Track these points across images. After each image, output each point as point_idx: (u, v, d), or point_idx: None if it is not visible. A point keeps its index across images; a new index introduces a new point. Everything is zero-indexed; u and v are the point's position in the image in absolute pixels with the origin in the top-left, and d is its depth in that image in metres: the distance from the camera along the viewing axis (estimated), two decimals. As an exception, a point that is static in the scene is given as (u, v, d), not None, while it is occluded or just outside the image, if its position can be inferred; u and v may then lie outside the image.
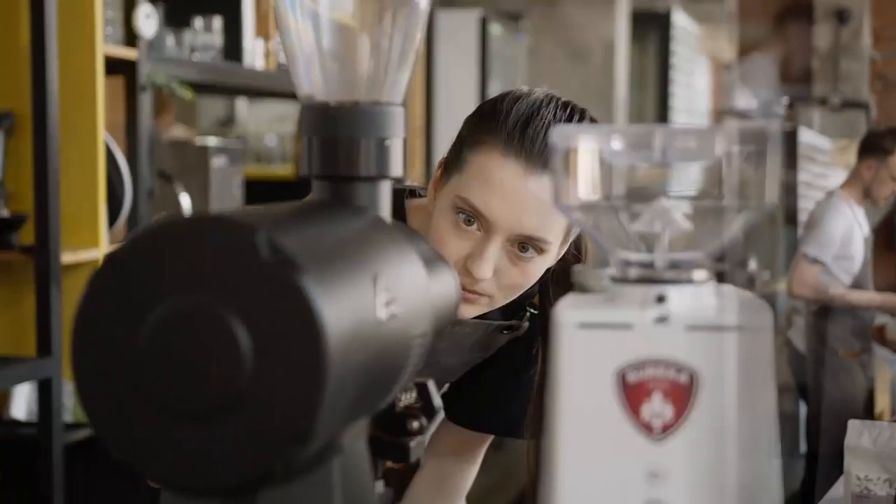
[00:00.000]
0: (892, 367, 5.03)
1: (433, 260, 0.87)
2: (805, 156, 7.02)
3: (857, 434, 1.91)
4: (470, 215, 1.23)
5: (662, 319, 0.68)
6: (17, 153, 2.46)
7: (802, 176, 6.82)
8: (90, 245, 2.52)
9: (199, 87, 3.16)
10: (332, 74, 0.83)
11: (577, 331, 0.69)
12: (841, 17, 9.49)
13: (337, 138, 0.81)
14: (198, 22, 3.05)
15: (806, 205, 7.31)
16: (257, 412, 0.61)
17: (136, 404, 0.62)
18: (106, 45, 2.57)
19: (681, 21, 7.52)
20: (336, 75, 0.83)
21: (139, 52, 2.69)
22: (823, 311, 4.38)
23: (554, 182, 0.72)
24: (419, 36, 0.85)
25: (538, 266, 1.27)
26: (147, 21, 2.66)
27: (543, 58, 5.49)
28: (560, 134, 0.71)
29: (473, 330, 1.38)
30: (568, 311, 0.69)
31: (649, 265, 0.71)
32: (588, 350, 0.68)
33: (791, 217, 6.85)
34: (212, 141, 3.18)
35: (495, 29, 4.90)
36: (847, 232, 4.30)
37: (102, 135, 2.52)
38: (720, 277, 0.72)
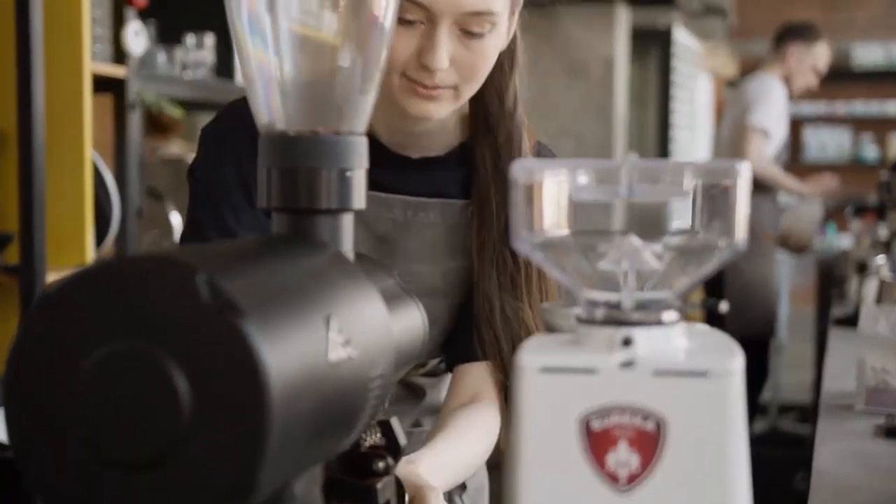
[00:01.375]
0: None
1: (397, 295, 0.84)
2: (678, 55, 7.12)
3: (872, 320, 1.77)
4: (408, 10, 1.19)
5: (628, 364, 0.65)
6: (4, 171, 2.44)
7: (674, 76, 6.99)
8: (77, 265, 2.48)
9: (191, 105, 3.13)
10: (291, 102, 0.80)
11: (539, 375, 0.65)
12: None
13: (296, 169, 0.78)
14: (189, 39, 3.02)
15: (678, 107, 7.42)
16: (196, 463, 0.58)
17: (70, 452, 0.59)
18: (94, 63, 2.54)
19: (682, 38, 7.50)
20: (295, 103, 0.80)
21: (128, 69, 2.66)
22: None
23: (515, 218, 0.68)
24: (382, 61, 0.82)
25: (492, 43, 1.23)
26: (136, 39, 2.63)
27: (543, 74, 5.46)
28: (522, 168, 0.67)
29: (439, 215, 1.33)
30: (530, 355, 0.66)
31: (616, 305, 0.68)
32: (551, 395, 0.65)
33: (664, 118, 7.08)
34: (204, 159, 3.15)
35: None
36: (781, 109, 4.40)
37: (90, 153, 2.49)
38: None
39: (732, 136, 4.49)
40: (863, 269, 3.25)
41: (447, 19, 1.19)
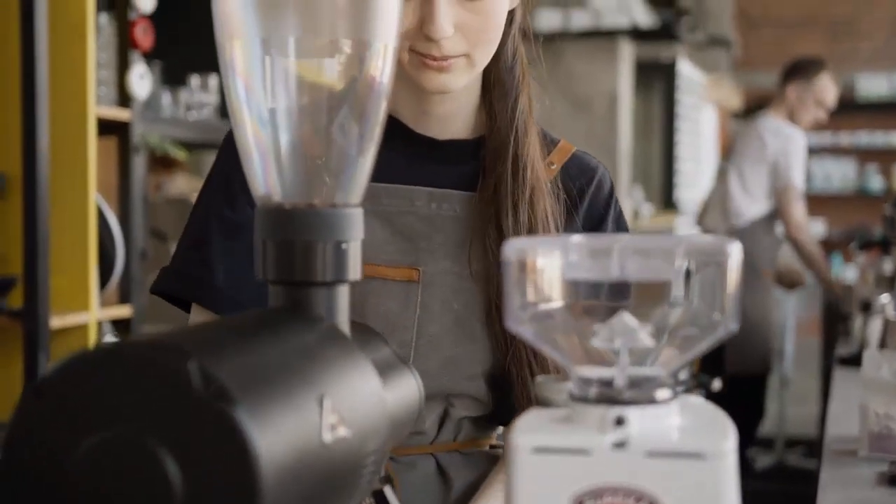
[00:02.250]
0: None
1: (392, 365, 0.84)
2: (682, 88, 7.16)
3: (875, 365, 1.75)
4: None
5: (621, 444, 0.65)
6: (8, 215, 2.45)
7: (679, 109, 7.04)
8: (81, 309, 2.49)
9: (195, 145, 3.15)
10: (287, 175, 0.80)
11: (531, 455, 0.65)
12: None
13: (292, 242, 0.78)
14: (194, 80, 3.04)
15: (683, 139, 7.45)
16: (188, 550, 0.58)
17: (63, 540, 0.59)
18: (99, 107, 2.55)
19: (686, 70, 7.52)
20: (291, 176, 0.80)
21: (133, 112, 2.67)
22: (748, 228, 4.48)
23: (507, 295, 0.69)
24: (377, 133, 0.82)
25: (497, 4, 1.19)
26: (141, 82, 2.65)
27: (547, 108, 5.48)
28: (514, 248, 0.68)
29: (466, 207, 1.26)
30: (523, 435, 0.66)
31: (609, 383, 0.68)
32: (543, 476, 0.65)
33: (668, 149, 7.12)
34: (208, 198, 3.16)
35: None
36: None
37: (94, 197, 2.50)
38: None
39: (759, 180, 4.49)
40: (867, 307, 3.24)
41: None
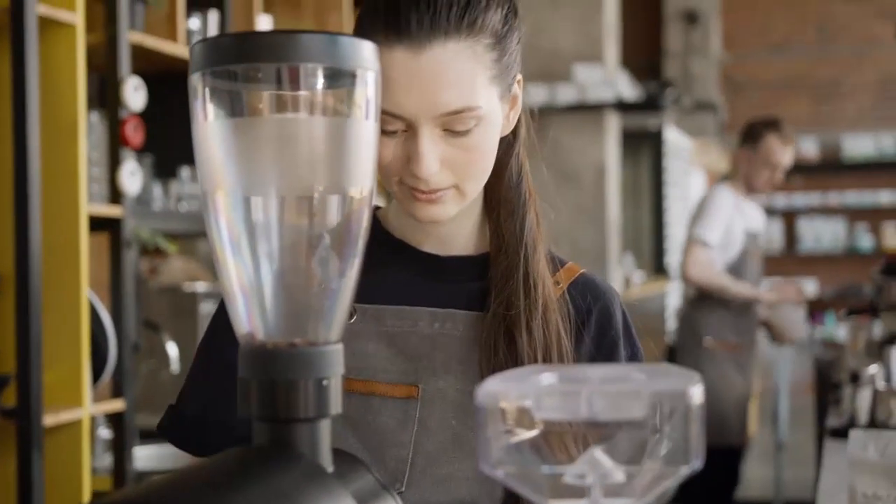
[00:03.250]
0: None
1: (375, 494, 0.87)
2: (670, 154, 7.23)
3: (861, 444, 1.74)
4: (387, 121, 1.14)
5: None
6: (1, 314, 2.47)
7: (667, 175, 7.07)
8: (74, 405, 2.51)
9: (187, 234, 3.19)
10: (269, 314, 0.83)
11: None
12: (690, 18, 9.67)
13: (275, 381, 0.81)
14: (184, 172, 3.09)
15: (672, 204, 7.50)
16: None
17: None
18: (91, 204, 2.59)
19: (672, 136, 7.61)
20: (274, 315, 0.83)
21: (124, 208, 2.71)
22: (699, 300, 4.55)
23: (481, 438, 0.71)
24: (356, 272, 0.85)
25: (484, 136, 1.17)
26: (132, 178, 2.69)
27: (535, 182, 5.53)
28: (486, 393, 0.71)
29: (471, 328, 1.25)
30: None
31: (581, 519, 0.70)
32: None
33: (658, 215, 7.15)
34: (201, 286, 3.20)
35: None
36: (730, 220, 4.49)
37: (86, 294, 2.53)
38: None
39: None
40: (856, 378, 3.26)
41: (427, 124, 1.14)
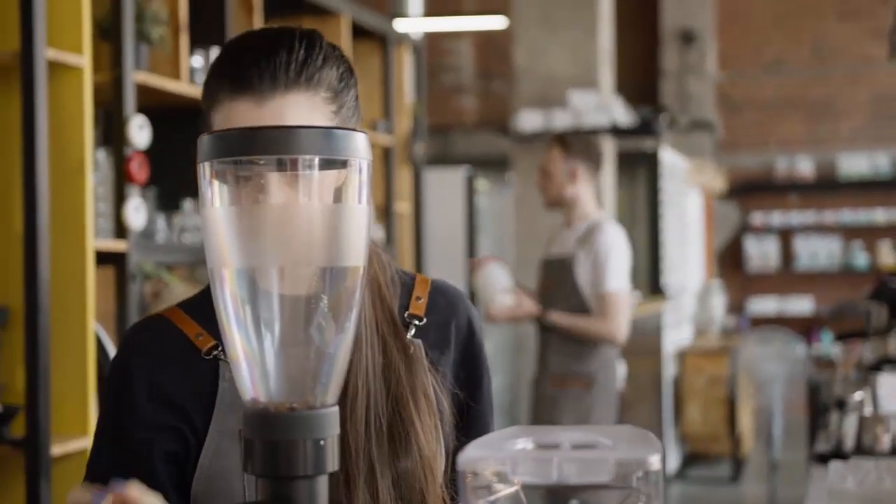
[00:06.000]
0: None
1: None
2: (666, 175, 7.28)
3: (841, 476, 1.79)
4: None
5: None
6: (10, 346, 2.55)
7: (663, 195, 7.11)
8: (81, 435, 2.59)
9: (192, 263, 3.27)
10: (271, 380, 0.92)
11: None
12: (686, 38, 9.74)
13: (276, 441, 0.89)
14: (187, 204, 3.17)
15: (668, 225, 7.56)
16: None
17: None
18: (97, 240, 2.68)
19: (668, 157, 7.70)
20: (275, 381, 0.91)
21: (129, 243, 2.80)
22: (546, 338, 4.02)
23: (462, 498, 0.79)
24: (351, 337, 0.94)
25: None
26: (136, 214, 2.77)
27: (531, 207, 5.62)
28: (468, 459, 0.79)
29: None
30: None
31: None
32: None
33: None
34: (202, 315, 3.26)
35: (482, 184, 5.04)
36: None
37: (93, 326, 2.61)
38: None
39: None
40: (842, 405, 3.33)
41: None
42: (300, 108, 1.22)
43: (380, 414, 1.26)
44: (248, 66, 1.21)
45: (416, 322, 1.33)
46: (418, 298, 1.36)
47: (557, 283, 4.01)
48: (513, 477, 0.79)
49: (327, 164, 0.90)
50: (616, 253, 3.92)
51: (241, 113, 1.21)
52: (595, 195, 4.12)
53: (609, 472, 0.77)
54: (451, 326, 1.37)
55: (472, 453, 0.79)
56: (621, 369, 4.24)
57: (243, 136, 0.90)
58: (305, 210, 0.90)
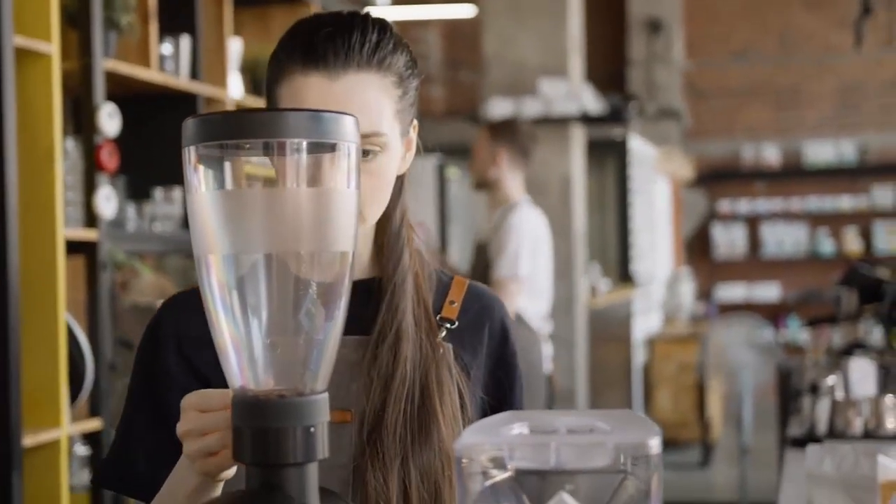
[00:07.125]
0: None
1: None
2: (635, 162, 7.31)
3: (818, 459, 1.78)
4: None
5: None
6: (-21, 336, 2.52)
7: (631, 183, 7.12)
8: (52, 425, 2.56)
9: (162, 253, 3.24)
10: (259, 368, 0.90)
11: None
12: (654, 27, 9.79)
13: (266, 429, 0.88)
14: (158, 193, 3.14)
15: (637, 212, 7.58)
16: None
17: None
18: (67, 228, 2.64)
19: (637, 145, 7.72)
20: (263, 369, 0.90)
21: (99, 232, 2.77)
22: None
23: (459, 484, 0.79)
24: (339, 324, 0.92)
25: (386, 165, 1.24)
26: (107, 203, 2.74)
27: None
28: (464, 445, 0.78)
29: (350, 351, 1.27)
30: None
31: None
32: None
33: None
34: (171, 304, 3.23)
35: (453, 172, 5.02)
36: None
37: (63, 316, 2.58)
38: None
39: None
40: (815, 389, 3.35)
41: None
42: (371, 87, 1.23)
43: (413, 402, 1.25)
44: (324, 41, 1.22)
45: (448, 325, 1.32)
46: (452, 302, 1.35)
47: (480, 266, 4.04)
48: (510, 462, 0.78)
49: (315, 149, 0.89)
50: (515, 238, 3.90)
51: (312, 87, 1.21)
52: (521, 181, 4.10)
53: (607, 457, 0.76)
54: (484, 331, 1.36)
55: (469, 439, 0.78)
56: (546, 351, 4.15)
57: (228, 120, 0.88)
58: (293, 195, 0.89)
